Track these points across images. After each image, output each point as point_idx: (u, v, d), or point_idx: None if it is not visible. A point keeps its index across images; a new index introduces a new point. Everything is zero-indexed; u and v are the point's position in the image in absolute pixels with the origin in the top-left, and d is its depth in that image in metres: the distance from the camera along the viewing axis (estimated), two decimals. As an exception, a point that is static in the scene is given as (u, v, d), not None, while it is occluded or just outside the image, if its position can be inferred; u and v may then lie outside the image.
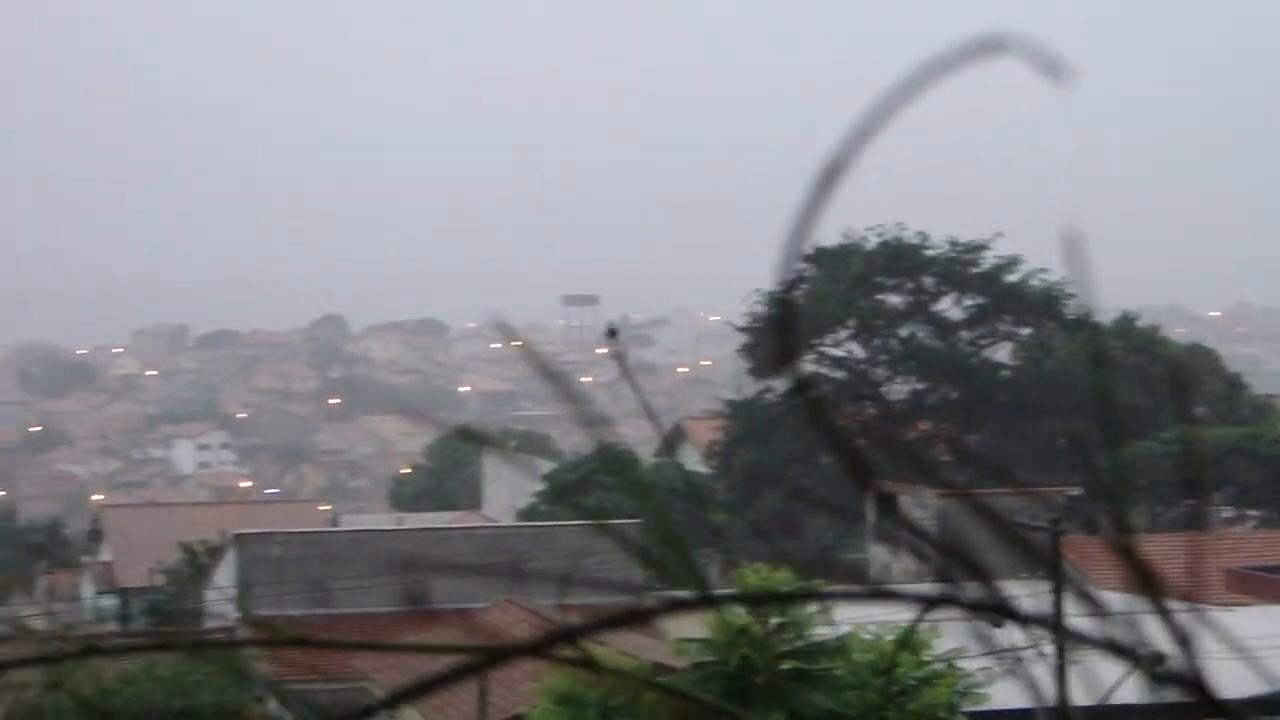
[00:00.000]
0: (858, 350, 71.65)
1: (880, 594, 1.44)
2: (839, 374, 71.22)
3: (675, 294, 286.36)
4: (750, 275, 75.92)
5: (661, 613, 1.36)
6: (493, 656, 1.30)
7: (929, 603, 1.49)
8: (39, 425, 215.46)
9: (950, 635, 23.43)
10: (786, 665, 25.31)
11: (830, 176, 1.34)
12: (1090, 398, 63.86)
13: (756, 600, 27.18)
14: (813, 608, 24.20)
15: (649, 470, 68.38)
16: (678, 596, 1.53)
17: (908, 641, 19.99)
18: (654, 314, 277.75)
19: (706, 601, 1.45)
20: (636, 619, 1.37)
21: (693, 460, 73.16)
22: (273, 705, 34.83)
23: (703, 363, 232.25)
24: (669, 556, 1.54)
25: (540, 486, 68.66)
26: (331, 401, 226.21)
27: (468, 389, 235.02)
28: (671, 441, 76.77)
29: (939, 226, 73.15)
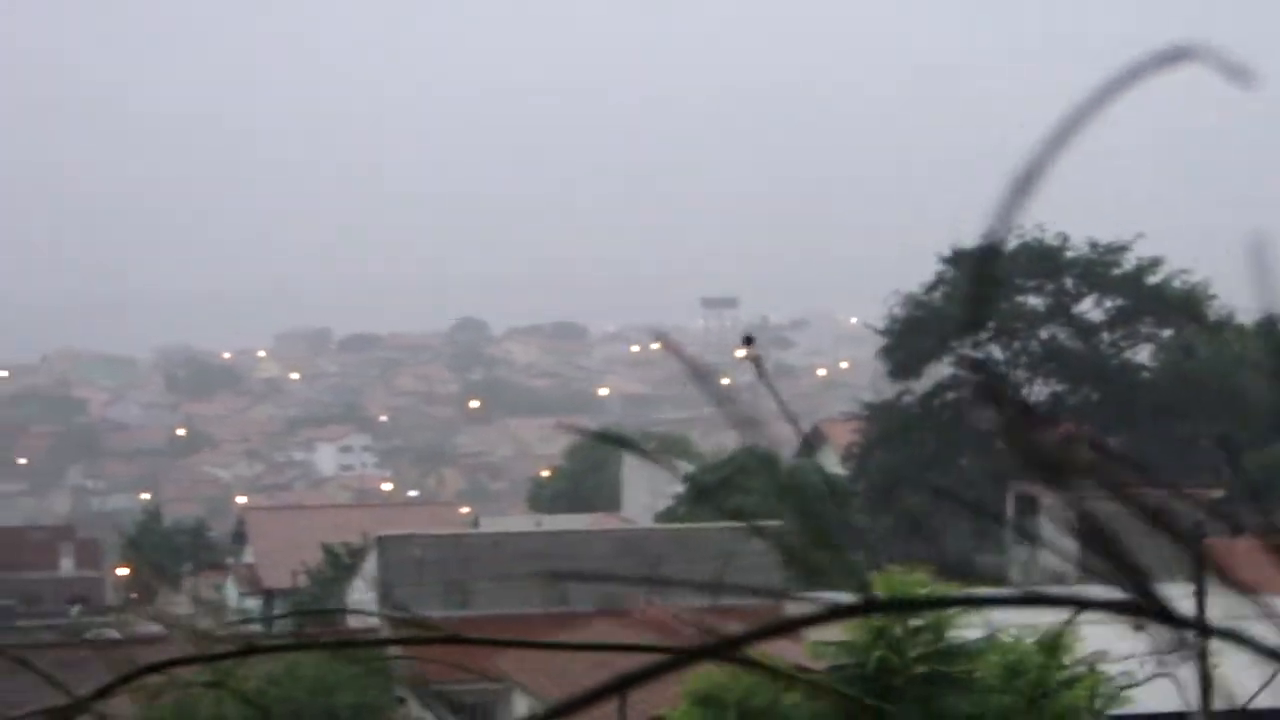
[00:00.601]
0: (997, 352, 71.20)
1: (1033, 598, 1.44)
2: (978, 376, 70.77)
3: (815, 296, 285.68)
4: (890, 278, 75.75)
5: (832, 617, 1.37)
6: (684, 657, 1.32)
7: (1080, 605, 1.50)
8: (184, 428, 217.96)
9: (1093, 638, 23.25)
10: (924, 668, 25.20)
11: (1025, 184, 1.35)
12: (1237, 399, 63.11)
13: (916, 605, 27.02)
14: (952, 610, 24.07)
15: (789, 472, 68.22)
16: (847, 600, 1.54)
17: (1053, 644, 19.88)
18: (793, 316, 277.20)
19: (871, 606, 1.46)
20: (811, 621, 1.39)
21: (831, 462, 72.97)
22: (414, 706, 35.06)
23: (841, 365, 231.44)
24: (824, 558, 1.56)
25: (680, 488, 68.69)
26: (471, 404, 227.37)
27: (607, 391, 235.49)
28: (810, 444, 76.57)
29: (1080, 228, 72.62)
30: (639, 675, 1.32)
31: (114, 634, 51.15)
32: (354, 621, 38.56)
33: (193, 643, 2.11)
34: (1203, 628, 1.87)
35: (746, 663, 1.36)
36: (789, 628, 1.38)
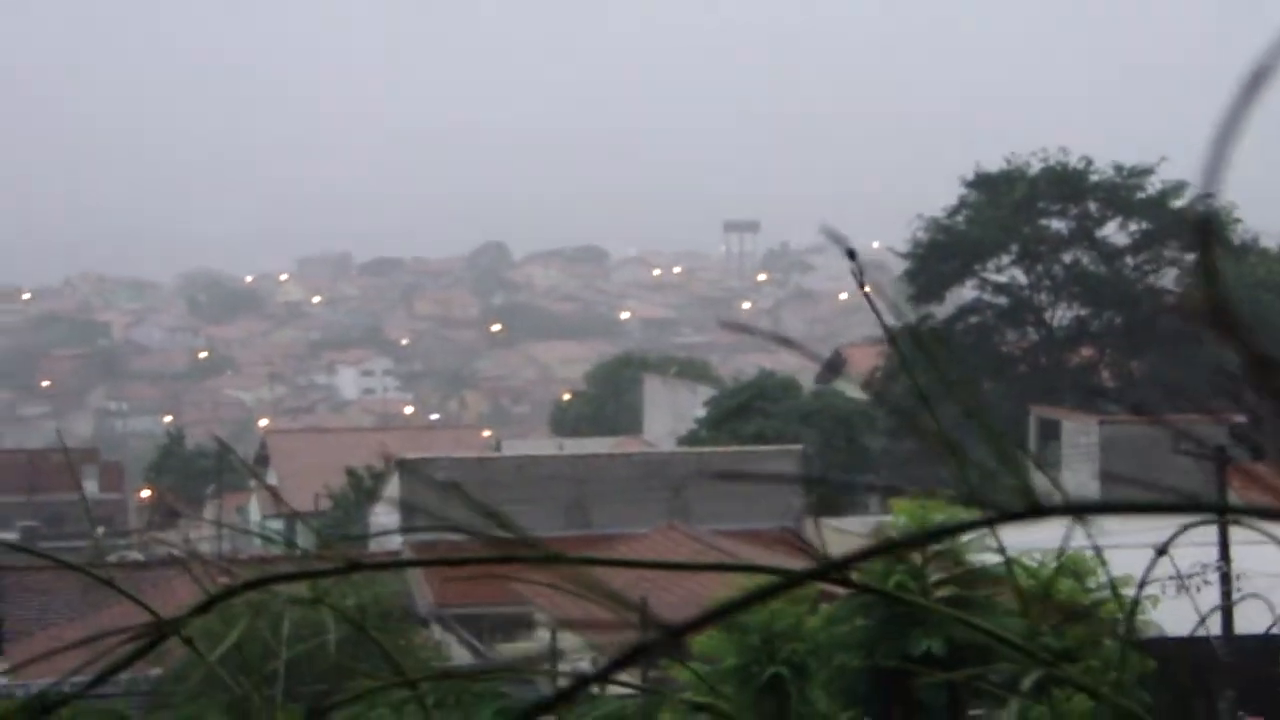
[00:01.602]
0: (1020, 276, 71.05)
1: (1183, 505, 1.45)
2: (1001, 300, 70.71)
3: (836, 220, 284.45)
4: (912, 201, 75.54)
5: (933, 538, 1.39)
6: (788, 581, 1.33)
7: (1228, 512, 1.51)
8: (206, 351, 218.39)
9: (1117, 563, 23.28)
10: (944, 592, 25.24)
11: (1225, 140, 1.33)
12: (1261, 323, 62.97)
13: (1066, 512, 27.05)
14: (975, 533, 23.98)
15: (809, 397, 68.30)
16: (956, 520, 1.56)
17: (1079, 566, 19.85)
18: (814, 240, 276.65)
19: (1002, 517, 1.48)
20: (910, 545, 1.41)
21: (852, 388, 72.96)
22: (436, 629, 35.22)
23: (864, 289, 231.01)
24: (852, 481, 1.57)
25: (701, 413, 68.79)
26: (493, 328, 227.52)
27: (628, 315, 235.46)
28: (831, 368, 76.58)
29: (1105, 151, 72.33)
30: (750, 598, 1.32)
31: (138, 556, 51.42)
32: (375, 545, 38.72)
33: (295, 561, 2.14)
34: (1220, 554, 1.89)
35: (855, 585, 1.37)
36: (900, 547, 1.40)
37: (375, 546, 38.59)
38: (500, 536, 1.63)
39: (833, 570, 1.35)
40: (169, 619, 1.62)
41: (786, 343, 1.90)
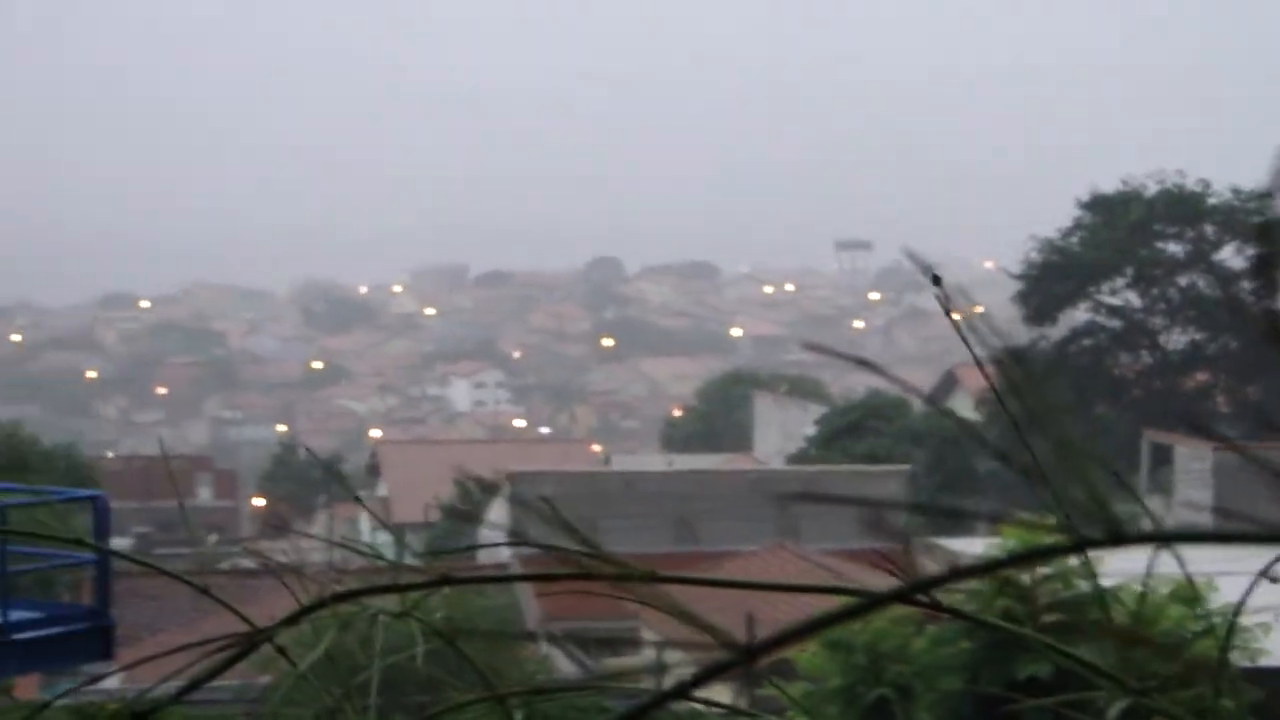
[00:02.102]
0: (1135, 299, 70.53)
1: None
2: (1115, 323, 70.21)
3: (949, 239, 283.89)
4: (1025, 221, 75.12)
5: (1029, 560, 1.38)
6: (869, 603, 1.33)
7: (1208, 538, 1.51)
8: (320, 361, 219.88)
9: (1227, 590, 23.02)
10: (1052, 617, 25.07)
11: None
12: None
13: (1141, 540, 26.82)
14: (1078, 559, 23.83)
15: (919, 417, 68.05)
16: (1049, 543, 1.56)
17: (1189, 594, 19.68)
18: (925, 259, 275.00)
19: (1084, 544, 1.47)
20: (977, 572, 1.41)
21: (965, 408, 72.62)
22: (543, 644, 35.27)
23: (975, 309, 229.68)
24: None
25: (812, 431, 68.66)
26: (605, 343, 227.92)
27: (739, 332, 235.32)
28: (943, 388, 76.28)
29: (1222, 173, 71.71)
30: (832, 617, 1.33)
31: (248, 563, 51.79)
32: (484, 557, 38.82)
33: (388, 574, 2.16)
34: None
35: (939, 608, 1.37)
36: (968, 574, 1.40)
37: (484, 559, 38.67)
38: (588, 553, 1.64)
39: (911, 593, 1.35)
40: (260, 628, 1.65)
41: (866, 365, 1.91)
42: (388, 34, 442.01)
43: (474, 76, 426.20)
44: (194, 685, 1.64)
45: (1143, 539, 1.44)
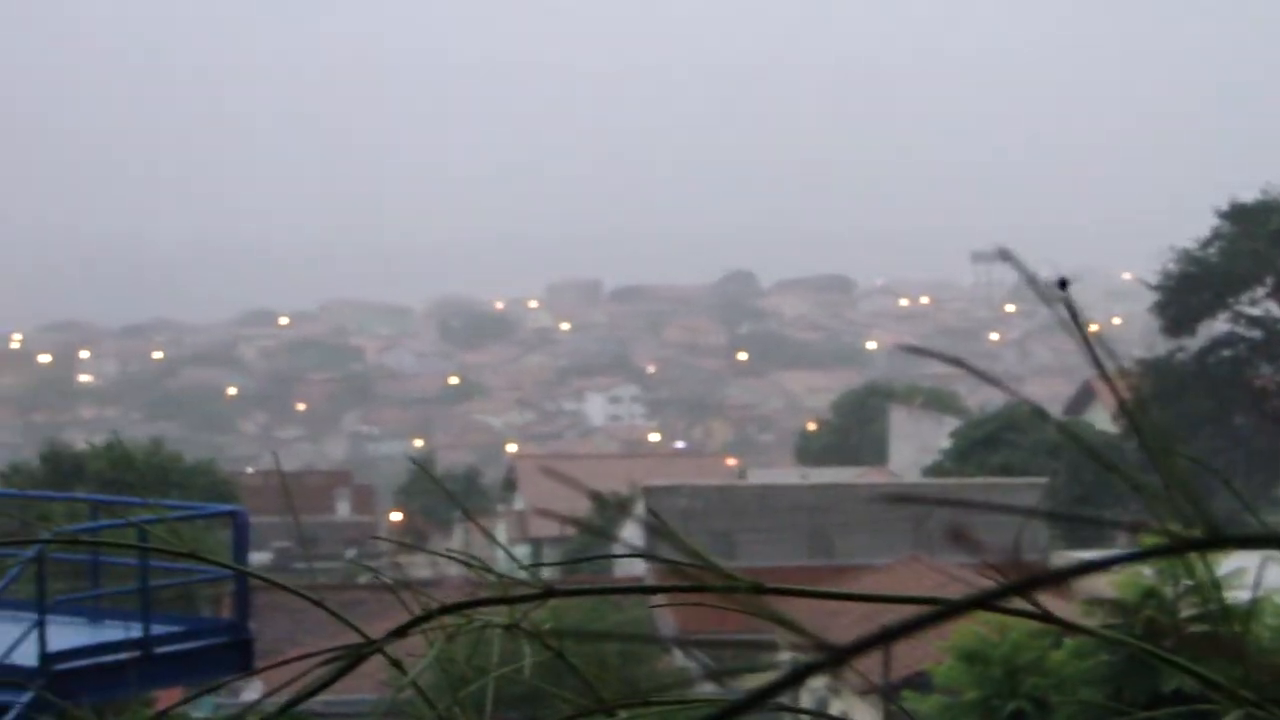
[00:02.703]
0: (1275, 309, 69.71)
1: None
2: (1255, 333, 69.41)
3: (1086, 251, 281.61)
4: (1164, 232, 74.39)
5: (1120, 562, 1.38)
6: (947, 610, 1.34)
7: None
8: (457, 376, 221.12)
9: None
10: (1196, 629, 24.81)
11: None
12: None
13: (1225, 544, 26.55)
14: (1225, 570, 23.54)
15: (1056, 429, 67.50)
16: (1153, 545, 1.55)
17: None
18: (1064, 271, 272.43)
19: (1178, 547, 1.47)
20: (1053, 580, 1.41)
21: (1102, 420, 72.02)
22: (678, 656, 35.31)
23: (1113, 321, 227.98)
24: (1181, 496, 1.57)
25: (947, 443, 68.30)
26: (740, 356, 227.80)
27: (874, 345, 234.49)
28: (1080, 400, 75.67)
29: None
30: (902, 628, 1.34)
31: (387, 577, 52.06)
32: (620, 570, 38.93)
33: (495, 586, 2.19)
34: None
35: (1014, 613, 1.38)
36: (1042, 583, 1.40)
37: (621, 572, 38.78)
38: (695, 564, 1.66)
39: (988, 600, 1.36)
40: (369, 641, 1.68)
41: (958, 364, 1.91)
42: (520, 47, 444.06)
43: (611, 89, 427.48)
44: (302, 697, 1.66)
45: (1243, 541, 1.44)
